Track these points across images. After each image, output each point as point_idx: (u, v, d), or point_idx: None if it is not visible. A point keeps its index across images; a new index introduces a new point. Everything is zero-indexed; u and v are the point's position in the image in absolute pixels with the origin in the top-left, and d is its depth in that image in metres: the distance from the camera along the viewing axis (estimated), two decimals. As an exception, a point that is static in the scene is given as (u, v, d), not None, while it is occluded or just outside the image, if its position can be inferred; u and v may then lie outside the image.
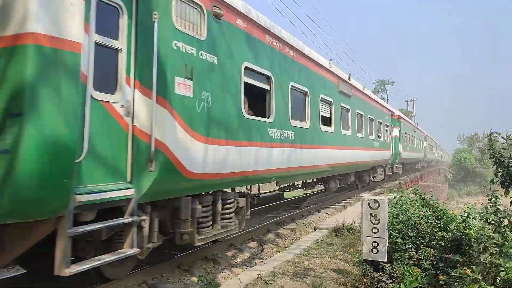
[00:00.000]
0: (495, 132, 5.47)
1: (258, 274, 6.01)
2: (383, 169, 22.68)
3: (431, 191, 10.75)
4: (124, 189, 4.77)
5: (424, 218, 6.40)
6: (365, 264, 5.90)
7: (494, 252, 4.70)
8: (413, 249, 5.94)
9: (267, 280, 5.85)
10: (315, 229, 10.13)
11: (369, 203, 6.13)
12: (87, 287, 5.70)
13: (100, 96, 4.63)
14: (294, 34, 9.77)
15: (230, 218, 7.23)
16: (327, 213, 13.25)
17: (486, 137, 5.48)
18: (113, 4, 4.82)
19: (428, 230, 6.15)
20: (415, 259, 5.72)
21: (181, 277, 6.47)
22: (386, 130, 21.71)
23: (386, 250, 5.90)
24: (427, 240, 6.08)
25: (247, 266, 7.40)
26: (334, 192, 16.56)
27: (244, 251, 8.19)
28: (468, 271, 4.42)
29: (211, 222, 6.67)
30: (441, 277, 4.80)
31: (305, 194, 17.42)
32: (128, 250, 4.84)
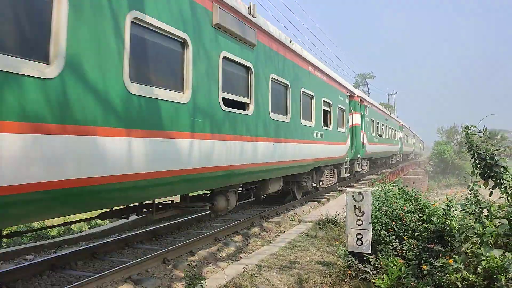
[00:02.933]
0: (472, 125, 5.58)
1: (244, 268, 6.03)
2: (334, 170, 16.07)
3: (414, 183, 10.90)
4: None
5: (407, 212, 6.50)
6: (349, 256, 5.96)
7: (475, 241, 4.81)
8: (396, 240, 6.03)
9: (253, 273, 5.88)
10: (299, 222, 10.20)
11: (353, 196, 6.19)
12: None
13: None
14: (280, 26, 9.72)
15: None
16: (310, 206, 13.34)
17: (463, 130, 5.59)
18: None
19: (411, 224, 6.25)
20: (398, 250, 5.81)
21: (166, 272, 6.45)
22: (341, 115, 16.22)
23: (370, 242, 5.98)
24: (410, 232, 6.18)
25: (233, 260, 7.41)
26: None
27: (229, 245, 8.20)
28: (451, 261, 4.51)
29: None
30: (424, 267, 4.89)
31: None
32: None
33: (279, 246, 7.57)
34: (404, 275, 4.76)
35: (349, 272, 5.76)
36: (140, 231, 9.12)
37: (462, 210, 5.31)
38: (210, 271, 6.74)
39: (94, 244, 7.79)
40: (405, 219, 6.41)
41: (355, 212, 6.14)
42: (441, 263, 4.73)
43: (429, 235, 5.93)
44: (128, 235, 8.55)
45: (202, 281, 5.10)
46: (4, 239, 8.06)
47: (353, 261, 5.85)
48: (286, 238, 8.30)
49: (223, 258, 7.51)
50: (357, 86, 63.69)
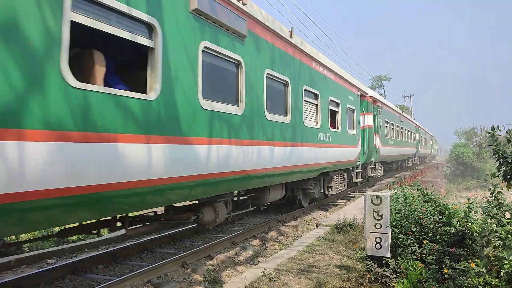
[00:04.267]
0: (498, 127, 5.48)
1: (263, 272, 6.04)
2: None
3: (432, 186, 10.77)
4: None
5: (426, 213, 6.43)
6: (368, 259, 5.93)
7: (497, 245, 4.73)
8: (415, 244, 5.97)
9: (272, 277, 5.88)
10: (317, 226, 10.16)
11: (371, 199, 6.16)
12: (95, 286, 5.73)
13: None
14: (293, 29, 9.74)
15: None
16: (327, 210, 13.27)
17: (488, 132, 5.48)
18: None
19: (431, 226, 6.18)
20: (418, 254, 5.75)
21: (185, 275, 6.50)
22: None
23: (389, 245, 5.93)
24: (430, 235, 6.11)
25: (251, 264, 7.42)
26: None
27: (247, 249, 8.22)
28: (473, 265, 4.45)
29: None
30: (445, 270, 4.83)
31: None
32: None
33: (297, 250, 7.55)
34: (424, 279, 4.72)
35: (368, 276, 5.72)
36: (159, 235, 9.19)
37: (484, 213, 5.23)
38: (229, 275, 6.76)
39: (114, 248, 7.89)
40: (424, 221, 6.35)
41: (373, 215, 6.10)
42: (463, 267, 4.67)
43: (449, 238, 5.86)
44: (147, 239, 8.64)
45: (221, 285, 5.13)
46: (27, 244, 8.24)
47: (372, 265, 5.81)
48: (304, 242, 8.27)
49: (241, 262, 7.53)
50: (373, 88, 63.27)
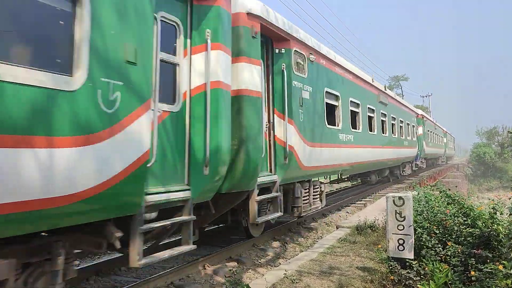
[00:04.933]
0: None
1: (284, 274, 6.03)
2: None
3: (456, 187, 10.62)
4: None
5: (450, 216, 6.33)
6: (391, 261, 5.87)
7: (524, 247, 4.65)
8: (439, 245, 5.88)
9: (293, 279, 5.87)
10: (337, 228, 10.10)
11: (393, 200, 6.09)
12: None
13: None
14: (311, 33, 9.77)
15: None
16: (347, 212, 13.19)
17: (510, 132, 5.37)
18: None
19: (455, 228, 6.08)
20: (442, 255, 5.66)
21: (207, 277, 6.53)
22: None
23: (413, 247, 5.86)
24: (454, 236, 6.02)
25: (272, 266, 7.41)
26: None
27: (267, 251, 8.22)
28: (501, 267, 4.37)
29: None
30: (472, 273, 4.75)
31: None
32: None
33: (318, 252, 7.52)
34: (450, 281, 4.65)
35: (392, 278, 5.66)
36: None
37: (510, 214, 5.13)
38: (250, 276, 6.77)
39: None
40: (448, 223, 6.25)
41: (396, 217, 6.04)
42: (490, 269, 4.59)
43: (474, 240, 5.76)
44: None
45: (243, 287, 5.14)
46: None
47: (396, 267, 5.75)
48: (325, 243, 8.24)
49: (262, 264, 7.53)
50: (391, 89, 62.61)
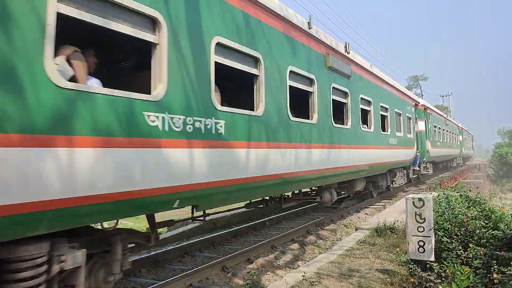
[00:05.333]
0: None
1: (303, 276, 6.02)
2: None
3: (477, 188, 10.43)
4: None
5: (471, 218, 6.23)
6: (411, 263, 5.80)
7: (549, 249, 4.55)
8: (460, 247, 5.80)
9: (313, 281, 5.85)
10: (356, 230, 10.03)
11: (413, 202, 6.03)
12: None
13: None
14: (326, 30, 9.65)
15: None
16: (366, 213, 13.07)
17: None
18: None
19: (477, 231, 5.98)
20: (463, 258, 5.58)
21: (226, 279, 6.57)
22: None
23: (433, 249, 5.79)
24: (475, 238, 5.92)
25: (290, 268, 7.41)
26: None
27: (286, 253, 8.21)
28: (524, 269, 4.29)
29: None
30: (495, 275, 4.67)
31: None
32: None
33: (337, 254, 7.48)
34: (472, 284, 4.58)
35: (412, 280, 5.60)
36: (198, 239, 9.32)
37: (534, 216, 5.04)
38: (269, 279, 6.78)
39: (155, 252, 8.06)
40: (469, 225, 6.15)
41: (415, 218, 5.98)
42: (513, 272, 4.51)
43: (496, 242, 5.66)
44: (187, 243, 8.77)
45: (262, 289, 5.15)
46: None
47: (416, 269, 5.68)
48: (344, 245, 8.18)
49: (280, 266, 7.53)
50: (410, 89, 61.87)
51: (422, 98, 33.31)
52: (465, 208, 6.62)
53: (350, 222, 11.59)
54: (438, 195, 8.00)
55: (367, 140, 11.63)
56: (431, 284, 5.37)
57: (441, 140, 27.26)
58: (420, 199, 5.96)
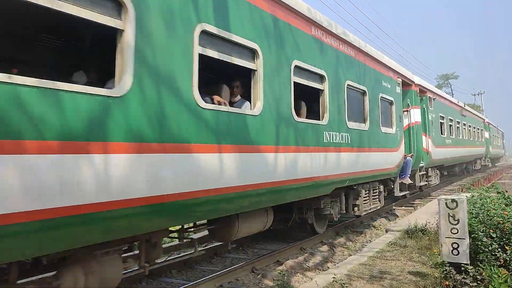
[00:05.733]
0: None
1: (333, 278, 5.96)
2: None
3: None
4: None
5: (508, 218, 6.02)
6: (445, 266, 5.66)
7: None
8: (499, 249, 5.61)
9: (343, 283, 5.79)
10: (386, 231, 9.87)
11: (446, 203, 5.88)
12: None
13: None
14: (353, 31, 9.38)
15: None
16: (396, 215, 12.85)
17: None
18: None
19: (515, 232, 5.78)
20: (501, 260, 5.41)
21: (255, 281, 6.58)
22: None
23: (468, 251, 5.63)
24: (512, 240, 5.72)
25: (320, 270, 7.36)
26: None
27: (315, 255, 8.16)
28: None
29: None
30: (534, 278, 4.51)
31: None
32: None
33: (367, 256, 7.38)
34: (510, 287, 4.43)
35: (446, 283, 5.46)
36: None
37: None
38: (298, 280, 6.75)
39: (185, 253, 8.13)
40: (505, 227, 5.95)
41: (449, 220, 5.82)
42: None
43: (536, 245, 5.46)
44: (216, 244, 8.82)
45: (292, 290, 5.13)
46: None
47: (450, 271, 5.54)
48: (374, 247, 8.07)
49: (310, 267, 7.48)
50: (440, 88, 60.58)
51: (452, 97, 28.40)
52: (501, 209, 6.41)
53: (380, 223, 11.42)
54: (472, 195, 7.78)
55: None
56: (467, 287, 5.22)
57: (453, 137, 20.13)
58: (453, 200, 5.80)
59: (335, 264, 7.50)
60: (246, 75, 6.07)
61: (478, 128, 28.78)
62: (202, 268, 7.48)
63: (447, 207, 5.84)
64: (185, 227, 6.57)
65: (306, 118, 7.56)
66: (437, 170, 18.23)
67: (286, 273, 6.99)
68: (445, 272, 5.53)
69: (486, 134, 33.06)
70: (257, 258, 7.38)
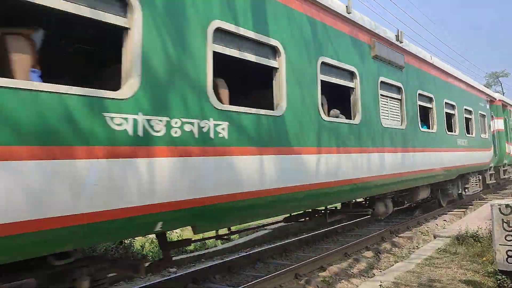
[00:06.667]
0: None
1: (380, 285, 5.80)
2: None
3: None
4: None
5: None
6: (499, 274, 5.39)
7: None
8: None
9: (390, 291, 5.63)
10: (434, 237, 9.52)
11: (499, 208, 5.61)
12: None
13: None
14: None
15: None
16: (445, 220, 12.39)
17: None
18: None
19: None
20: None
21: (299, 286, 6.51)
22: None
23: (524, 259, 5.33)
24: None
25: (365, 277, 7.19)
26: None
27: (360, 261, 7.99)
28: None
29: None
30: None
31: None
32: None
33: (415, 263, 7.13)
34: None
35: (501, 293, 5.20)
36: (270, 246, 9.35)
37: None
38: (343, 287, 6.62)
39: (228, 259, 8.19)
40: None
41: (503, 226, 5.55)
42: None
43: None
44: (259, 249, 8.83)
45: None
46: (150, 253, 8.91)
47: (505, 281, 5.27)
48: (422, 254, 7.79)
49: (354, 274, 7.33)
50: (489, 86, 58.05)
51: (504, 96, 30.20)
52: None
53: (427, 229, 11.04)
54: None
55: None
56: (524, 297, 4.95)
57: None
58: (507, 206, 5.53)
59: (381, 271, 7.30)
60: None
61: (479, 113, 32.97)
62: (245, 273, 7.49)
63: (501, 212, 5.58)
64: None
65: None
66: None
67: (330, 279, 6.88)
68: (498, 281, 5.27)
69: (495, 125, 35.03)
70: (300, 264, 7.31)
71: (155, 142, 3.82)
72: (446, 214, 13.44)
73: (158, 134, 3.84)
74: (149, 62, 3.86)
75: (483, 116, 15.92)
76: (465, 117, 13.60)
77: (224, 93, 5.17)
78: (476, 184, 15.52)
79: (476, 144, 14.55)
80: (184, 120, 4.11)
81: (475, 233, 8.56)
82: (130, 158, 3.60)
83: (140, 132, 3.70)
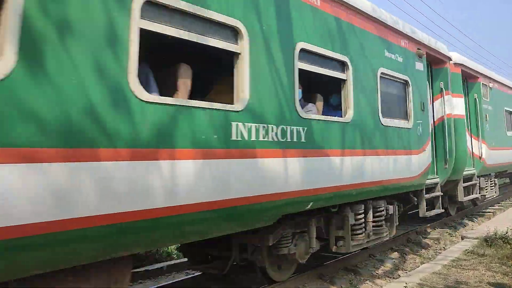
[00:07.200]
0: None
1: (405, 286, 5.75)
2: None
3: None
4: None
5: None
6: (530, 277, 5.24)
7: None
8: None
9: (416, 292, 5.56)
10: (462, 239, 9.34)
11: (529, 209, 5.42)
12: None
13: None
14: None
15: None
16: (473, 221, 12.12)
17: None
18: None
19: None
20: None
21: (323, 287, 6.49)
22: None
23: (556, 262, 5.15)
24: None
25: (390, 278, 7.11)
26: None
27: (384, 262, 7.91)
28: None
29: None
30: None
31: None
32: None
33: (442, 264, 7.03)
34: None
35: (531, 296, 5.07)
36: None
37: None
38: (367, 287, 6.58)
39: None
40: None
41: (533, 228, 5.34)
42: None
43: None
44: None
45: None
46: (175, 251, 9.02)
47: (536, 284, 5.11)
48: (448, 255, 7.66)
49: (379, 275, 7.26)
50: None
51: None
52: None
53: (454, 230, 10.83)
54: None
55: None
56: (555, 301, 4.82)
57: None
58: (537, 206, 5.34)
59: (406, 272, 7.21)
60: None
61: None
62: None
63: (531, 214, 5.39)
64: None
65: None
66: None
67: (355, 280, 6.84)
68: (529, 284, 5.14)
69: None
70: (324, 264, 7.29)
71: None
72: (473, 215, 13.13)
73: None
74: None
75: (404, 83, 7.95)
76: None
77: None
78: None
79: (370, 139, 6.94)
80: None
81: (505, 234, 8.38)
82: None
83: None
